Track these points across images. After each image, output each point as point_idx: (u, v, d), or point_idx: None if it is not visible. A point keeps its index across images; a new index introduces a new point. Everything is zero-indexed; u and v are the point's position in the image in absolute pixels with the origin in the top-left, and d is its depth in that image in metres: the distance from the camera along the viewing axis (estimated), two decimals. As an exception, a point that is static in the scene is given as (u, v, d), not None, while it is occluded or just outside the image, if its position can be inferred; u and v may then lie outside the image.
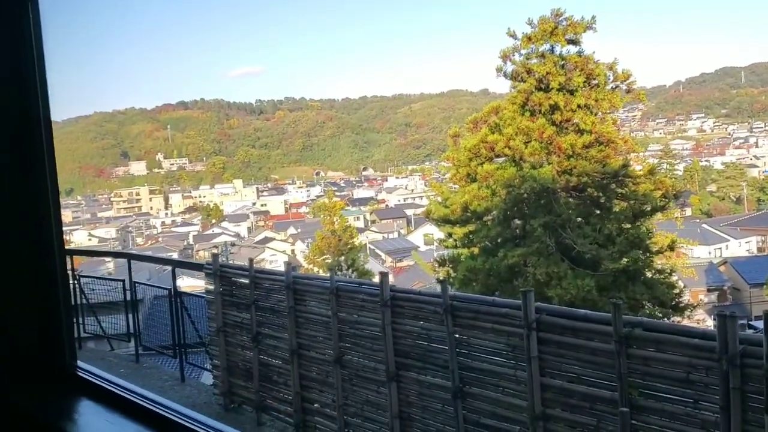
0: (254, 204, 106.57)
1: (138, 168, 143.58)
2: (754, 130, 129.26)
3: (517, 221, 19.55)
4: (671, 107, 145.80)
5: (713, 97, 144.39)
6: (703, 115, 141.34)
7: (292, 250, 64.04)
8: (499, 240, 19.52)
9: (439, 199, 22.04)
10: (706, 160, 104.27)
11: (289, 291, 8.03)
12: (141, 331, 11.49)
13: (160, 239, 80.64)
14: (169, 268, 11.88)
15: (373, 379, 7.28)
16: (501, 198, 19.04)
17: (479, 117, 21.62)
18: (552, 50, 19.56)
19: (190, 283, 22.95)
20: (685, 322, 19.33)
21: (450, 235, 21.44)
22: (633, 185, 19.00)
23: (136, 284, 11.42)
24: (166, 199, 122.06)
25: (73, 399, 2.11)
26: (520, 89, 19.77)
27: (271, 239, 69.90)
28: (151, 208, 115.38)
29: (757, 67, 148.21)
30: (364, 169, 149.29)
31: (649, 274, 19.12)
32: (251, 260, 9.39)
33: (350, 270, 32.49)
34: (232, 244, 63.05)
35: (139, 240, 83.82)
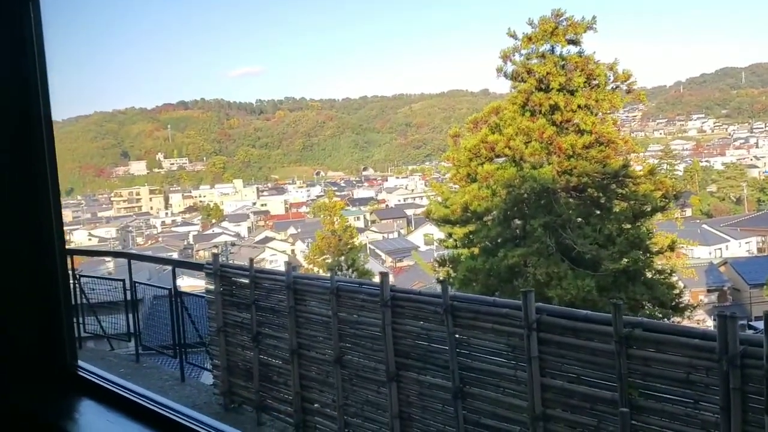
0: (254, 204, 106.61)
1: (138, 168, 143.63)
2: (754, 130, 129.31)
3: (518, 221, 19.55)
4: (671, 107, 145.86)
5: (713, 98, 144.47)
6: (703, 115, 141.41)
7: (292, 250, 64.06)
8: (499, 240, 19.53)
9: (440, 199, 22.05)
10: (706, 161, 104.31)
11: (290, 291, 8.03)
12: (141, 330, 11.49)
13: (160, 239, 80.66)
14: (169, 268, 11.87)
15: (374, 379, 7.28)
16: (501, 198, 19.04)
17: (479, 117, 21.63)
18: (552, 50, 19.57)
19: (190, 283, 22.95)
20: (685, 323, 19.33)
21: (450, 235, 21.45)
22: (633, 185, 19.00)
23: (136, 284, 11.41)
24: (166, 199, 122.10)
25: (74, 399, 2.11)
26: (520, 89, 19.78)
27: (271, 239, 69.93)
28: (151, 208, 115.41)
29: (757, 67, 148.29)
30: (365, 169, 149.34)
31: (649, 275, 19.13)
32: (251, 260, 9.39)
33: (350, 270, 32.49)
34: (233, 244, 63.07)
35: (140, 240, 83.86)
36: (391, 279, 7.65)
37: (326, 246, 36.01)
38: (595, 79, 19.29)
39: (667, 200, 19.46)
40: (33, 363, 2.13)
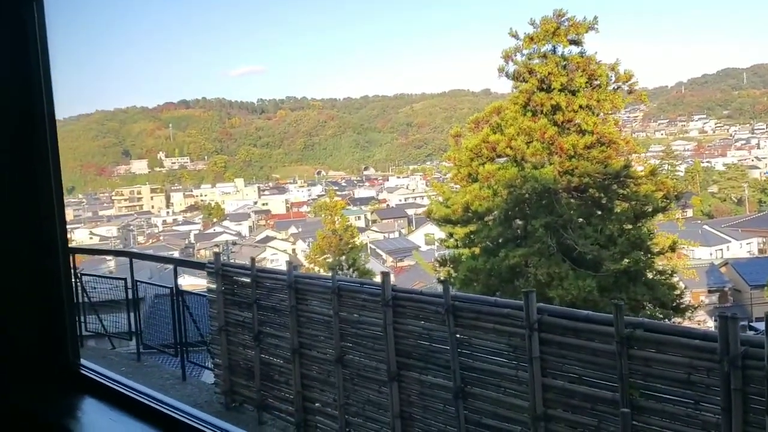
0: (255, 203, 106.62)
1: (139, 166, 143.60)
2: (755, 131, 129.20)
3: (519, 221, 19.56)
4: (673, 108, 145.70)
5: (715, 98, 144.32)
6: (704, 116, 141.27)
7: (293, 250, 64.06)
8: (500, 240, 19.53)
9: (441, 199, 22.05)
10: (707, 161, 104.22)
11: (291, 290, 8.03)
12: (142, 329, 11.49)
13: (161, 238, 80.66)
14: (171, 267, 11.87)
15: (375, 379, 7.29)
16: (502, 198, 19.05)
17: (481, 117, 21.65)
18: (554, 51, 19.58)
19: (191, 282, 22.95)
20: (686, 324, 19.33)
21: (451, 235, 21.46)
22: (634, 186, 19.01)
23: (138, 283, 11.41)
24: (168, 198, 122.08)
25: (76, 397, 2.11)
26: (522, 89, 19.79)
27: (272, 238, 69.97)
28: (153, 207, 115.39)
29: (759, 68, 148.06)
30: (366, 168, 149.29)
31: (650, 275, 19.14)
32: (253, 259, 9.40)
33: (351, 269, 32.50)
34: (234, 243, 63.14)
35: (141, 238, 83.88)
36: (392, 279, 7.65)
37: (327, 245, 36.01)
38: (596, 80, 19.29)
39: (668, 201, 19.46)
40: (36, 361, 2.14)
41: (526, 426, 6.09)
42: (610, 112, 19.83)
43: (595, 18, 19.35)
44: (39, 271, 2.13)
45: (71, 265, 9.88)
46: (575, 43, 19.48)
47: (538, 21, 19.56)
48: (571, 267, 17.98)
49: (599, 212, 19.48)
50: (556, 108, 19.09)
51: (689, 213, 67.59)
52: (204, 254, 60.46)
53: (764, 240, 56.38)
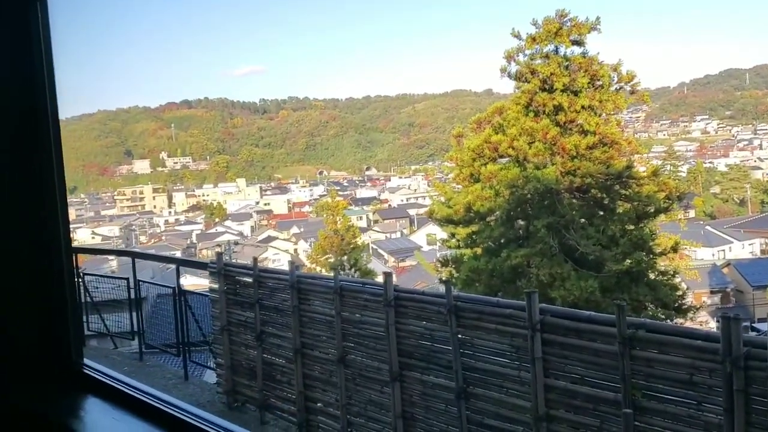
0: (257, 203, 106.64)
1: (142, 166, 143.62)
2: (758, 132, 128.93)
3: (521, 222, 19.56)
4: (675, 109, 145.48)
5: (717, 99, 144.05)
6: (707, 116, 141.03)
7: (295, 250, 64.05)
8: (502, 240, 19.53)
9: (443, 199, 22.05)
10: (710, 162, 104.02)
11: (293, 290, 8.03)
12: (144, 329, 11.50)
13: (163, 238, 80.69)
14: (173, 266, 11.89)
15: (377, 379, 7.29)
16: (504, 198, 19.04)
17: (483, 117, 21.64)
18: (556, 51, 19.57)
19: (193, 282, 22.96)
20: (688, 324, 19.31)
21: (453, 235, 21.45)
22: (637, 187, 19.00)
23: (140, 282, 11.43)
24: (170, 198, 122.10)
25: (79, 396, 2.12)
26: (524, 90, 19.79)
27: (274, 238, 69.97)
28: (155, 207, 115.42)
29: (761, 68, 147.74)
30: (367, 168, 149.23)
31: (652, 276, 19.12)
32: (255, 259, 9.41)
33: (353, 269, 32.49)
34: (236, 243, 63.19)
35: (143, 238, 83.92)
36: (394, 279, 7.65)
37: (329, 245, 36.02)
38: (599, 80, 19.28)
39: (670, 201, 19.45)
40: (39, 361, 2.14)
41: (528, 426, 6.09)
42: (612, 112, 19.82)
43: (598, 18, 19.38)
44: (42, 271, 2.14)
45: (74, 265, 9.89)
46: (578, 43, 19.49)
47: (540, 21, 19.56)
48: (573, 267, 17.98)
49: (601, 213, 19.47)
50: (558, 108, 19.09)
51: (691, 214, 67.52)
52: (206, 254, 60.48)
53: (767, 241, 56.30)
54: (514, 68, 20.17)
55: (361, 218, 76.13)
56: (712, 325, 29.19)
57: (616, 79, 19.63)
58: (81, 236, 76.46)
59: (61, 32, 2.15)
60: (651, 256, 18.94)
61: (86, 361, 2.25)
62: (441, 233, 27.53)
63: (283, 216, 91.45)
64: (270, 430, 8.48)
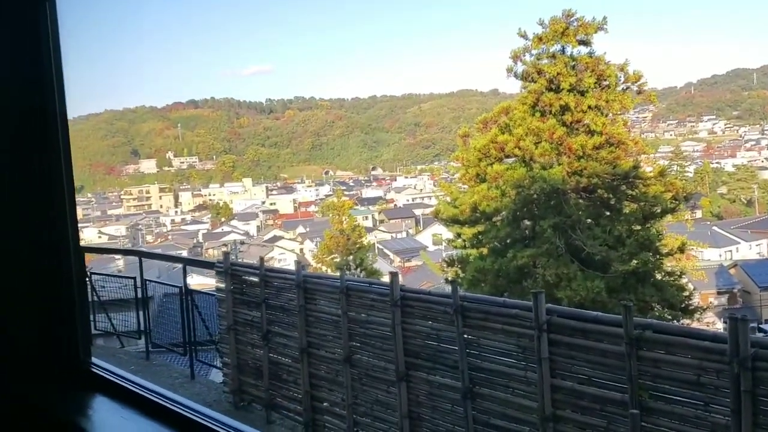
0: (263, 203, 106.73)
1: (148, 166, 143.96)
2: (765, 132, 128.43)
3: (527, 222, 19.53)
4: (682, 109, 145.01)
5: (724, 99, 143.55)
6: (714, 116, 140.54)
7: (301, 249, 64.16)
8: (508, 241, 19.51)
9: (448, 199, 22.04)
10: (717, 162, 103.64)
11: (300, 290, 8.05)
12: (151, 328, 11.53)
13: (169, 237, 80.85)
14: (179, 266, 11.91)
15: (383, 379, 7.29)
16: (510, 198, 19.02)
17: (489, 117, 21.61)
18: (563, 51, 19.55)
19: (199, 281, 23.01)
20: (695, 325, 19.25)
21: (459, 235, 21.44)
22: (643, 187, 18.95)
23: (147, 282, 11.46)
24: (176, 197, 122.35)
25: (87, 395, 2.13)
26: (530, 90, 19.76)
27: (280, 238, 70.07)
28: (161, 206, 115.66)
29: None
30: (373, 168, 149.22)
31: (658, 276, 19.07)
32: (262, 259, 9.43)
33: (358, 269, 32.49)
34: (242, 243, 63.28)
35: (149, 238, 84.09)
36: (400, 279, 7.66)
37: (335, 245, 36.05)
38: (605, 80, 19.25)
39: (677, 202, 19.40)
40: (47, 360, 2.15)
41: (534, 427, 6.09)
42: (619, 112, 19.78)
43: (604, 18, 19.33)
44: (51, 271, 2.15)
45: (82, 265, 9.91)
46: (584, 43, 19.45)
47: (547, 21, 19.54)
48: (579, 268, 17.94)
49: (608, 213, 19.43)
50: (564, 108, 19.06)
51: (698, 214, 67.35)
52: (212, 253, 60.57)
53: (774, 241, 56.06)
54: (520, 68, 20.15)
55: (366, 218, 76.15)
56: (719, 326, 29.14)
57: (622, 79, 19.59)
58: (88, 235, 76.70)
59: (68, 31, 2.16)
60: (657, 256, 18.89)
61: (94, 359, 2.26)
62: (447, 233, 27.47)
63: (288, 216, 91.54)
64: (276, 429, 8.50)
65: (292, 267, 8.86)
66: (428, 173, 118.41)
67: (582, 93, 19.04)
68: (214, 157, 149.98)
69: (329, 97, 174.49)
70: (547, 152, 18.76)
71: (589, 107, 18.96)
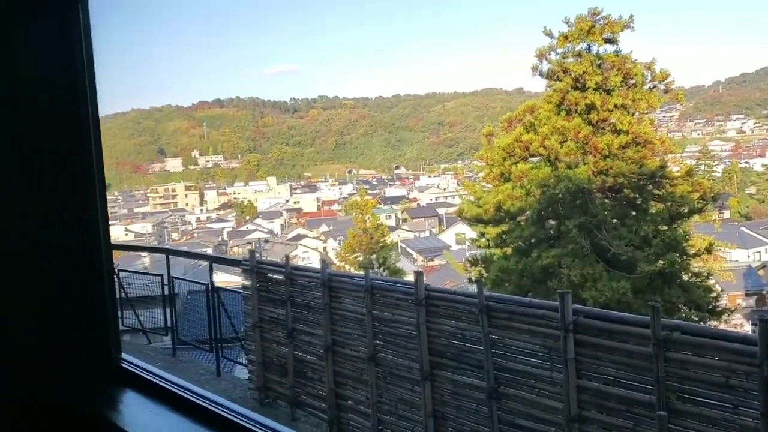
0: (287, 201, 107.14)
1: (174, 164, 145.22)
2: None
3: (552, 222, 19.42)
4: (710, 108, 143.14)
5: (754, 98, 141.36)
6: (743, 115, 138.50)
7: (324, 248, 64.26)
8: (532, 240, 19.41)
9: (472, 198, 21.98)
10: (745, 162, 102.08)
11: (325, 288, 8.07)
12: (177, 325, 11.63)
13: (195, 235, 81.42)
14: (203, 263, 12.00)
15: (408, 378, 7.30)
16: (535, 198, 18.93)
17: (514, 116, 21.53)
18: (589, 49, 19.40)
19: (224, 279, 23.14)
20: (722, 327, 19.00)
21: (482, 234, 21.37)
22: (670, 187, 18.76)
23: (173, 279, 11.56)
24: (202, 196, 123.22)
25: (118, 390, 2.16)
26: (556, 88, 19.64)
27: (304, 236, 70.27)
28: (187, 204, 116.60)
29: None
30: (396, 167, 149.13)
31: (685, 277, 18.86)
32: (287, 257, 9.47)
33: (381, 268, 32.51)
34: (266, 241, 63.55)
35: (175, 235, 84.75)
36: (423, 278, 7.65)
37: (358, 244, 36.11)
38: (632, 79, 19.08)
39: (704, 202, 19.17)
40: (79, 355, 2.18)
41: (560, 427, 6.06)
42: (645, 111, 19.59)
43: (631, 16, 19.16)
44: (84, 267, 2.18)
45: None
46: (610, 41, 19.30)
47: (572, 19, 19.40)
48: (604, 268, 17.80)
49: (634, 213, 19.26)
50: (590, 107, 18.92)
51: (726, 214, 66.34)
52: (237, 251, 60.92)
53: (804, 242, 55.09)
54: (545, 67, 20.05)
55: (389, 217, 76.07)
56: (747, 328, 28.72)
57: (649, 77, 19.41)
58: (114, 233, 77.33)
59: (98, 32, 2.18)
60: (684, 257, 18.67)
61: (124, 355, 2.29)
62: (470, 232, 27.43)
63: (312, 214, 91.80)
64: (301, 426, 8.54)
65: (316, 265, 8.87)
66: (452, 172, 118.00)
67: (608, 92, 18.89)
68: (239, 155, 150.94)
69: (353, 96, 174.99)
70: (573, 151, 18.64)
71: (615, 106, 18.81)
